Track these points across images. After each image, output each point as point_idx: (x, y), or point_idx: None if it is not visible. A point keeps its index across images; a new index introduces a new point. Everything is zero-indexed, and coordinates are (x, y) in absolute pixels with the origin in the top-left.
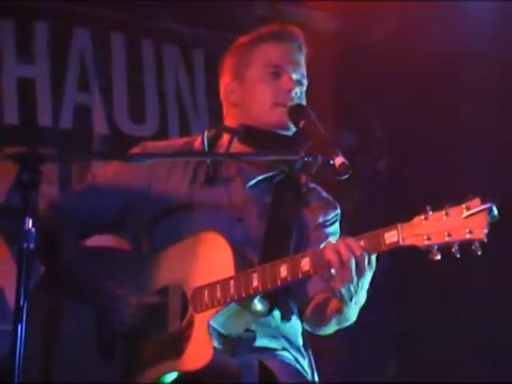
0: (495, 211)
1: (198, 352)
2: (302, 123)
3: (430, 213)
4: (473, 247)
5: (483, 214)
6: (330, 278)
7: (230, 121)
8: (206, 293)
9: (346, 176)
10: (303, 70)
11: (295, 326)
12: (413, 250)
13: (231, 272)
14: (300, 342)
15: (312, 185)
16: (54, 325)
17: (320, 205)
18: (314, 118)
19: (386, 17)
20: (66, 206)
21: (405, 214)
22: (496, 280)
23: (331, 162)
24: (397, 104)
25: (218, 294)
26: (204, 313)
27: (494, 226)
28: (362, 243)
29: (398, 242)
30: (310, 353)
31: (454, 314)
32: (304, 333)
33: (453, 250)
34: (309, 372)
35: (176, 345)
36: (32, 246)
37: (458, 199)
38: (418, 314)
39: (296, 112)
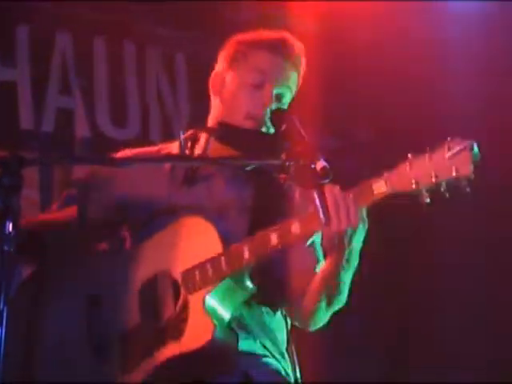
0: (476, 148)
1: (198, 330)
2: (283, 127)
3: (413, 158)
4: (461, 185)
5: (466, 151)
6: (328, 222)
7: (211, 110)
8: (197, 273)
9: (327, 180)
10: (290, 86)
11: (280, 329)
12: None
13: (219, 250)
14: (284, 346)
15: (291, 183)
16: (37, 329)
17: (301, 202)
18: (296, 121)
19: (371, 19)
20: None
21: None
22: (496, 277)
23: (312, 166)
24: (382, 107)
25: (210, 271)
26: (198, 292)
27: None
28: (351, 196)
29: (387, 189)
30: (295, 357)
31: (448, 314)
32: (289, 337)
33: (442, 189)
34: (292, 376)
35: (174, 329)
36: (12, 249)
37: None
38: (413, 314)
39: (278, 115)
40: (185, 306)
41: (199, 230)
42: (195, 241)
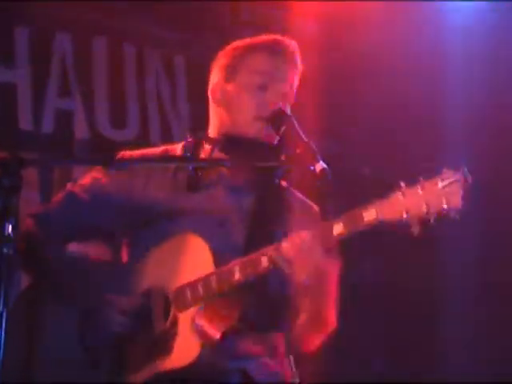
0: (469, 179)
1: (185, 349)
2: (282, 129)
3: (406, 187)
4: (451, 216)
5: (458, 184)
6: (292, 272)
7: (212, 121)
8: (188, 291)
9: (326, 182)
10: (292, 86)
11: (279, 334)
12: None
13: (211, 270)
14: (283, 347)
15: (291, 190)
16: (36, 338)
17: (301, 209)
18: (295, 124)
19: (373, 20)
20: (44, 215)
21: None
22: (484, 279)
23: (312, 168)
24: (379, 108)
25: (201, 290)
26: (187, 311)
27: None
28: (340, 224)
29: (377, 218)
30: (292, 359)
31: (439, 314)
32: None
33: (431, 221)
34: (290, 378)
35: (162, 345)
36: (12, 251)
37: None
38: (405, 314)
39: (277, 118)
40: (174, 323)
41: (194, 249)
42: (190, 260)
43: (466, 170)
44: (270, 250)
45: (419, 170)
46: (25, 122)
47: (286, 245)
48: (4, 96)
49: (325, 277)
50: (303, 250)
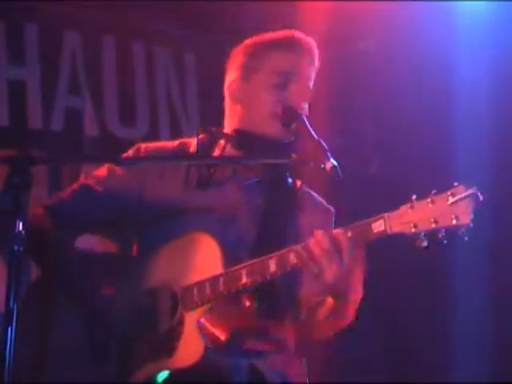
0: (480, 197)
1: (189, 349)
2: (293, 125)
3: (416, 201)
4: (459, 233)
5: (468, 200)
6: (319, 272)
7: (229, 118)
8: (196, 291)
9: (337, 179)
10: (310, 82)
11: (287, 328)
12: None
13: (219, 270)
14: (291, 344)
15: (306, 189)
16: (45, 332)
17: (314, 208)
18: (306, 121)
19: (379, 19)
20: (57, 206)
21: None
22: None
23: (322, 166)
24: (387, 106)
25: (208, 291)
26: (194, 311)
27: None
28: (349, 234)
29: (386, 230)
30: (304, 360)
31: (443, 314)
32: (296, 335)
33: (440, 236)
34: (302, 378)
35: (167, 344)
36: (22, 248)
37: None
38: (407, 315)
39: (289, 113)
40: (180, 322)
41: (204, 248)
42: (199, 259)
43: (478, 191)
44: (297, 246)
45: (432, 171)
46: (34, 120)
47: (312, 243)
48: (14, 94)
49: (350, 277)
50: (332, 248)
